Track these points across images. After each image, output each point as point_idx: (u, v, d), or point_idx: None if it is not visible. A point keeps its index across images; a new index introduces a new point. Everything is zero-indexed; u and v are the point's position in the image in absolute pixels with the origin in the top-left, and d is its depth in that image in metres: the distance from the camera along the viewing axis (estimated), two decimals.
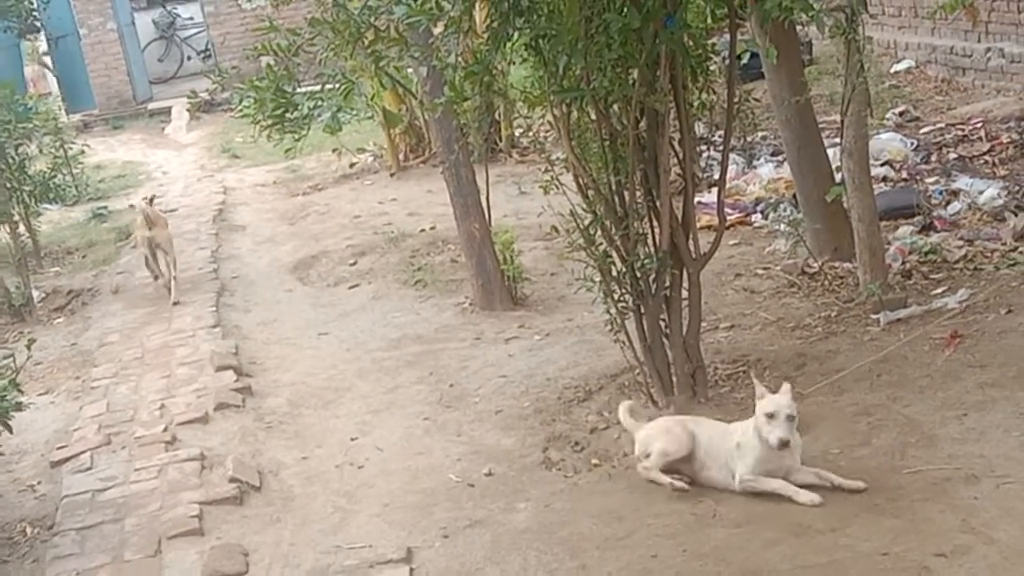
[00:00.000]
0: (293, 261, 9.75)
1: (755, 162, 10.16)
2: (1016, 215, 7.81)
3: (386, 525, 5.12)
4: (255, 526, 5.26)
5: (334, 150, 12.32)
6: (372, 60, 4.80)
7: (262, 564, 4.94)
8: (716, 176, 6.33)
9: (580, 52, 4.97)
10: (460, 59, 5.14)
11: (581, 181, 5.74)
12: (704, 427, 5.11)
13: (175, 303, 8.73)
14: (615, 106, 5.55)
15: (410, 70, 7.89)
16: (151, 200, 9.69)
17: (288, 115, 4.75)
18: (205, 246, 10.42)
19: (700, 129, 9.52)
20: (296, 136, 4.92)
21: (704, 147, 9.66)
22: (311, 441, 6.16)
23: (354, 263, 9.46)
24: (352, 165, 12.88)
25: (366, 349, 7.46)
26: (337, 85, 4.71)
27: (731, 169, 9.65)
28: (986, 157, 9.48)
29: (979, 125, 10.22)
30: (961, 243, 7.54)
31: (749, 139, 10.32)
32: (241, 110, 5.24)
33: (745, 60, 8.78)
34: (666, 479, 4.95)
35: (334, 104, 4.67)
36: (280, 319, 8.31)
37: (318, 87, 4.88)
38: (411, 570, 4.71)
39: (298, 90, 4.84)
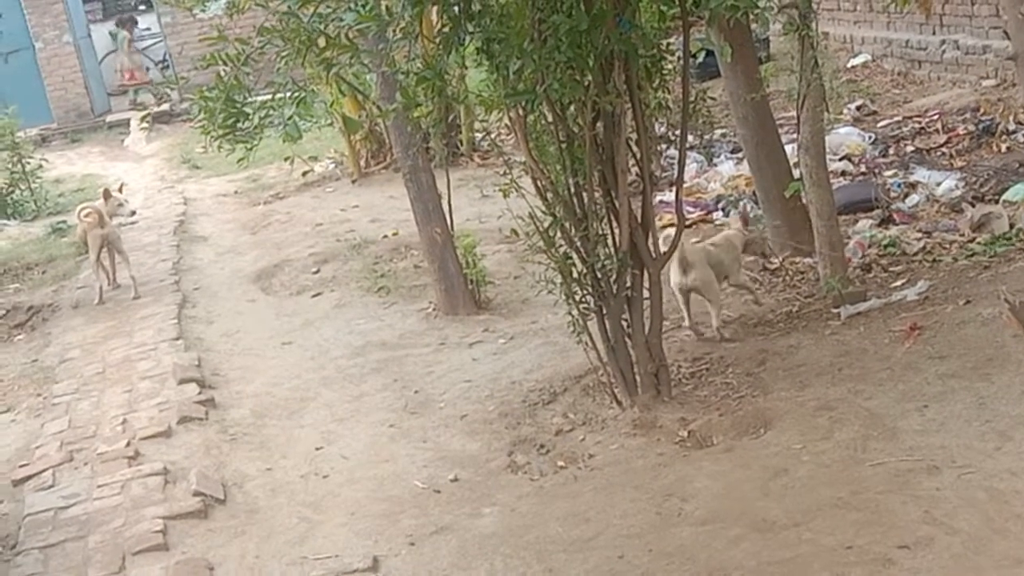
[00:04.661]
0: (255, 271, 9.69)
1: (715, 160, 10.20)
2: (973, 206, 7.88)
3: (352, 534, 5.09)
4: (220, 539, 5.21)
5: (286, 159, 12.23)
6: (324, 67, 4.77)
7: None
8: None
9: (530, 55, 4.96)
10: (413, 64, 5.12)
11: (539, 183, 5.73)
12: None
13: (136, 298, 9.08)
14: (571, 108, 5.55)
15: (370, 76, 7.84)
16: (121, 187, 10.07)
17: (239, 125, 4.72)
18: (167, 258, 10.35)
19: (660, 128, 9.56)
20: (248, 146, 4.88)
21: (664, 146, 9.69)
22: (276, 452, 6.12)
23: (317, 271, 9.41)
24: (304, 174, 12.79)
25: (330, 357, 7.42)
26: (289, 93, 4.68)
27: (692, 167, 9.70)
28: (943, 149, 9.56)
29: (936, 117, 10.31)
30: (920, 235, 7.60)
31: (708, 137, 10.35)
32: (199, 121, 5.20)
33: (701, 58, 8.80)
34: None
35: (286, 113, 4.64)
36: (243, 330, 8.25)
37: (270, 96, 4.86)
38: None
39: (250, 99, 4.81)
